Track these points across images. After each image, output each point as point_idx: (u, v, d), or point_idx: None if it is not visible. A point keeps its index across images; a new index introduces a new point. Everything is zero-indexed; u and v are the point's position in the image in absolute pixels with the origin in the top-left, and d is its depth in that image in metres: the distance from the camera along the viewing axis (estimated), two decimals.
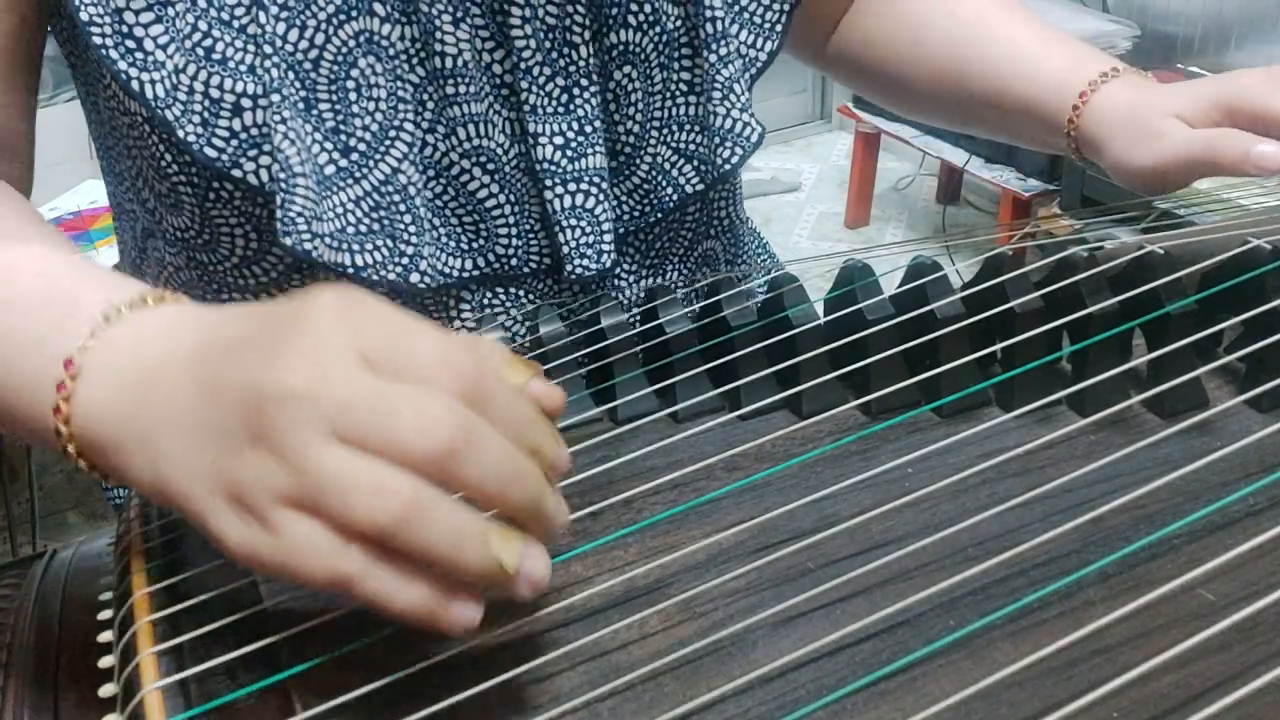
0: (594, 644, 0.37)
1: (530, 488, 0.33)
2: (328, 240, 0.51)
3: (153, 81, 0.49)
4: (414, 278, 0.54)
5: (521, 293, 0.58)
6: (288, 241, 0.50)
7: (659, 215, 0.59)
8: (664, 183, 0.59)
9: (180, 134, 0.49)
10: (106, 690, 0.37)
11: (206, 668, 0.36)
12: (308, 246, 0.51)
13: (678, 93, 0.57)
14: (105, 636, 0.40)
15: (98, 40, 0.49)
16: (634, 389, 0.50)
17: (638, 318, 0.54)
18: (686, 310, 0.51)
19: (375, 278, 0.53)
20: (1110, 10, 2.20)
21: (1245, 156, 0.54)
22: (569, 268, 0.56)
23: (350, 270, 0.52)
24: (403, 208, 0.53)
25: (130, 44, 0.49)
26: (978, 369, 0.49)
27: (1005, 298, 0.48)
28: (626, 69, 0.56)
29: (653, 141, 0.58)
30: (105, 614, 0.41)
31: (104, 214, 1.64)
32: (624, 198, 0.59)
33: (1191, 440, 0.46)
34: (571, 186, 0.55)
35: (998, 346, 0.50)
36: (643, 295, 0.55)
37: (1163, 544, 0.40)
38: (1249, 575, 0.39)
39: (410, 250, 0.53)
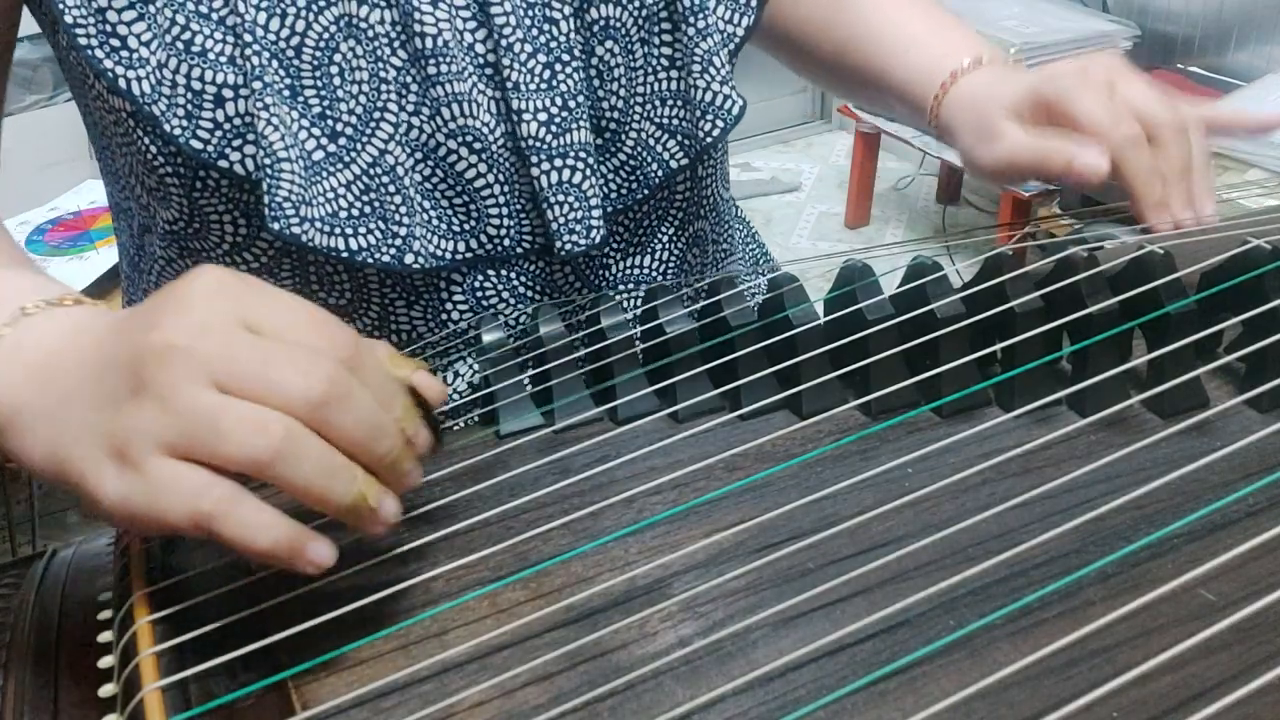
0: (594, 644, 0.37)
1: (393, 444, 0.36)
2: (318, 224, 0.52)
3: (139, 79, 0.50)
4: (408, 259, 0.54)
5: (512, 275, 0.58)
6: (275, 227, 0.51)
7: (646, 192, 0.60)
8: (649, 159, 0.59)
9: (166, 127, 0.50)
10: (106, 690, 0.37)
11: (206, 668, 0.36)
12: (296, 231, 0.51)
13: (659, 68, 0.58)
14: (105, 636, 0.40)
15: (83, 41, 0.50)
16: (634, 389, 0.50)
17: (638, 317, 0.54)
18: (687, 310, 0.51)
19: (370, 260, 0.53)
20: (1110, 10, 2.20)
21: (1069, 166, 0.56)
22: (559, 244, 0.56)
23: (345, 254, 0.53)
24: (392, 189, 0.54)
25: (115, 42, 0.50)
26: (978, 369, 0.49)
27: (1005, 298, 0.48)
28: (609, 44, 0.56)
29: (637, 117, 0.58)
30: (105, 614, 0.41)
31: (104, 214, 1.64)
32: (611, 175, 0.59)
33: (1191, 440, 0.46)
34: (558, 162, 0.55)
35: (998, 346, 0.50)
36: (642, 295, 0.55)
37: (1163, 544, 0.40)
38: (1249, 575, 0.39)
39: (403, 231, 0.54)
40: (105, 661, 0.38)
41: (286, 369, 0.34)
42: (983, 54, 0.65)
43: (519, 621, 0.38)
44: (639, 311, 0.54)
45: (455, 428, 0.60)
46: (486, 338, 0.53)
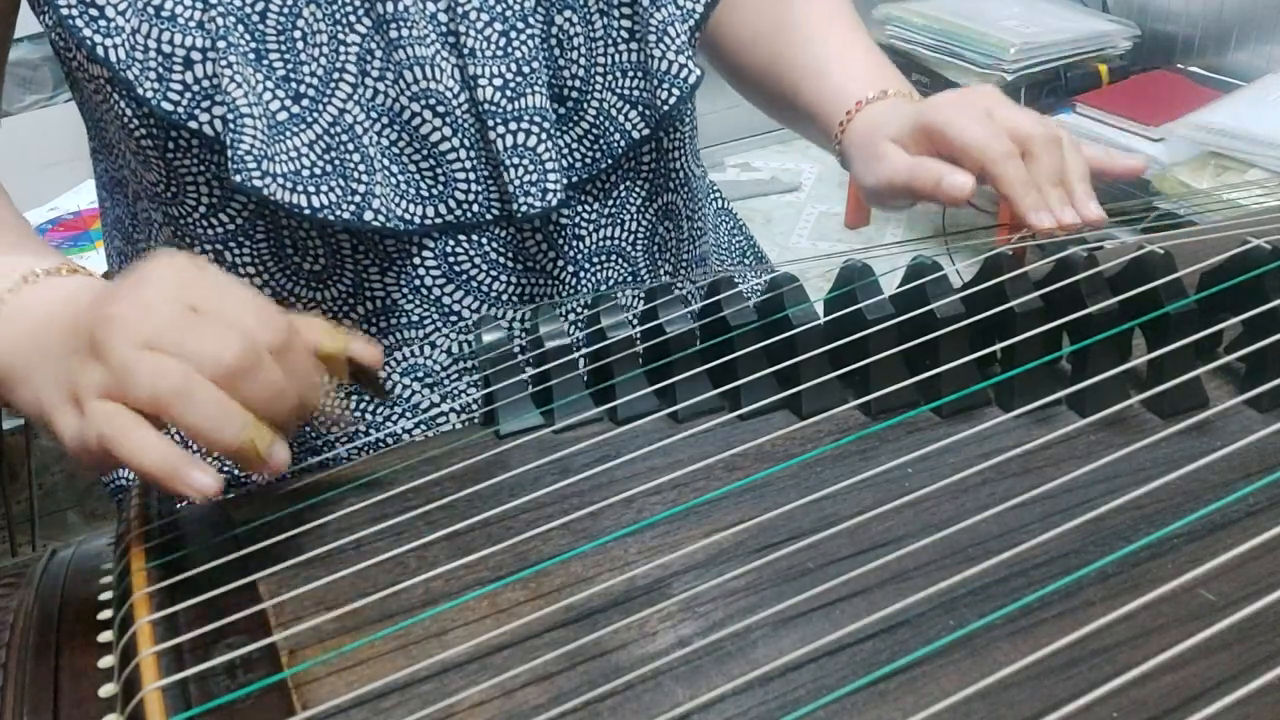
0: (594, 644, 0.37)
1: (289, 412, 0.41)
2: (280, 180, 0.53)
3: (114, 45, 0.52)
4: (367, 216, 0.55)
5: (484, 241, 0.60)
6: (237, 179, 0.52)
7: (610, 161, 0.61)
8: (611, 128, 0.60)
9: (139, 91, 0.52)
10: (106, 690, 0.37)
11: (206, 668, 0.36)
12: (258, 184, 0.53)
13: (619, 39, 0.59)
14: (105, 636, 0.40)
15: (65, 11, 0.52)
16: (634, 389, 0.50)
17: (638, 317, 0.54)
18: (686, 310, 0.51)
19: (331, 217, 0.55)
20: (1110, 10, 2.19)
21: (937, 185, 0.58)
22: (515, 206, 0.58)
23: (307, 210, 0.54)
24: (351, 147, 0.55)
25: (94, 11, 0.52)
26: (977, 369, 0.49)
27: (1005, 298, 0.48)
28: (567, 13, 0.58)
29: (598, 88, 0.60)
30: (105, 614, 0.41)
31: None
32: (574, 144, 0.60)
33: (1191, 440, 0.46)
34: (513, 125, 0.57)
35: (998, 346, 0.50)
36: (643, 295, 0.55)
37: (1163, 544, 0.40)
38: (1249, 575, 0.39)
39: (362, 189, 0.55)
40: (105, 661, 0.38)
41: (205, 339, 0.39)
42: (889, 87, 0.67)
43: (519, 621, 0.38)
44: (639, 311, 0.54)
45: (443, 406, 0.61)
46: (487, 338, 0.53)
